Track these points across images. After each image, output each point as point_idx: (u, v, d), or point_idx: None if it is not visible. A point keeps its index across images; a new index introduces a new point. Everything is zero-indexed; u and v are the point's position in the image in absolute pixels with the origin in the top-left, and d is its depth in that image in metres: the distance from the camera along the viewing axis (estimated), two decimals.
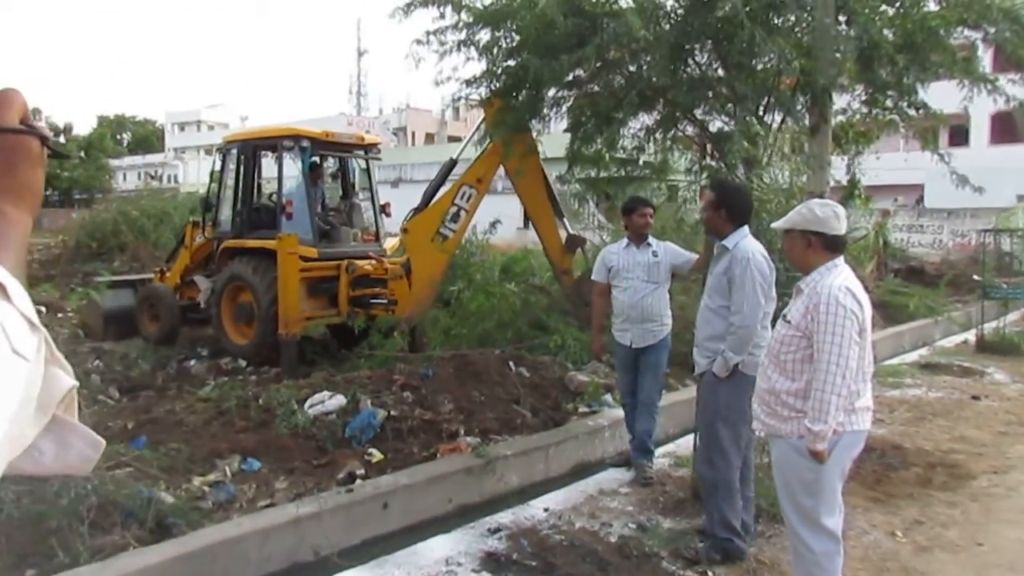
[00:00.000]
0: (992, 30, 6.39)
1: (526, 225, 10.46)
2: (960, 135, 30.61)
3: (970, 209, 23.81)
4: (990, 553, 4.48)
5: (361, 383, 6.61)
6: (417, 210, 8.69)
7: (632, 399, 5.58)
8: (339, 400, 6.26)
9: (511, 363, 7.20)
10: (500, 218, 10.16)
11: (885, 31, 6.11)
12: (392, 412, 6.10)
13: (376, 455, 5.59)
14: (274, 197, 9.62)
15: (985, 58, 7.75)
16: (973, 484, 5.58)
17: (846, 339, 3.08)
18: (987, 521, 4.92)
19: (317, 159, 9.91)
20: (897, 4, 6.31)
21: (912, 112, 6.99)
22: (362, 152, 10.28)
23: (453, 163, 8.81)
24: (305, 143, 9.26)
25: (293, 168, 9.46)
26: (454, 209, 8.47)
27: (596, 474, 5.63)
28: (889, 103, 6.95)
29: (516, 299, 8.81)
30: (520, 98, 7.68)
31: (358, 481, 5.10)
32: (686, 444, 5.90)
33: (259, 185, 10.06)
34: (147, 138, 79.62)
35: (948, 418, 7.39)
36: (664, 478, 5.48)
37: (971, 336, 11.53)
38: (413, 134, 60.77)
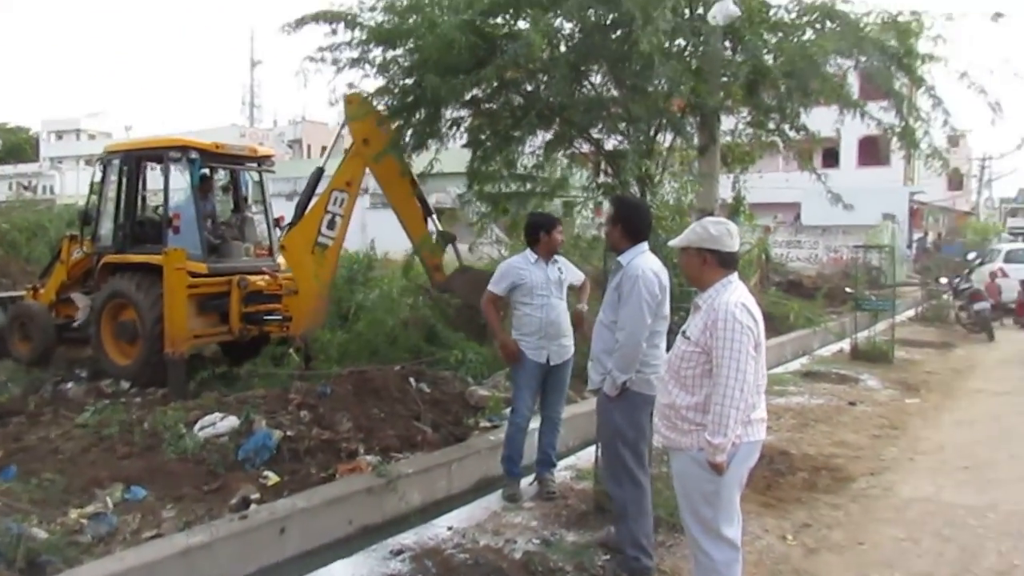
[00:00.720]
0: (863, 59, 6.79)
1: None
2: (831, 157, 32.56)
3: (842, 226, 25.30)
4: (870, 551, 4.70)
5: (255, 403, 6.34)
6: (291, 224, 8.47)
7: (525, 420, 5.49)
8: (231, 421, 5.98)
9: (411, 379, 7.08)
10: (399, 230, 10.06)
11: (770, 57, 6.38)
12: (288, 432, 5.87)
13: (272, 478, 5.36)
14: (160, 210, 9.18)
15: (854, 86, 8.20)
16: (853, 486, 5.85)
17: (743, 354, 3.15)
18: (867, 521, 5.16)
19: (207, 171, 9.52)
20: (780, 33, 6.61)
21: (793, 134, 7.33)
22: (255, 164, 9.96)
23: (320, 172, 8.63)
24: (194, 155, 8.88)
25: (181, 180, 9.06)
26: (329, 216, 8.32)
27: (499, 489, 5.57)
28: (772, 125, 7.27)
29: (407, 311, 8.70)
30: (418, 116, 7.62)
31: (253, 506, 4.86)
32: (587, 456, 5.94)
33: (143, 197, 9.57)
34: (19, 146, 74.60)
35: (829, 423, 7.75)
36: (567, 491, 5.48)
37: (846, 345, 12.20)
38: (309, 147, 59.47)
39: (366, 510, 5.09)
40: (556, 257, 5.50)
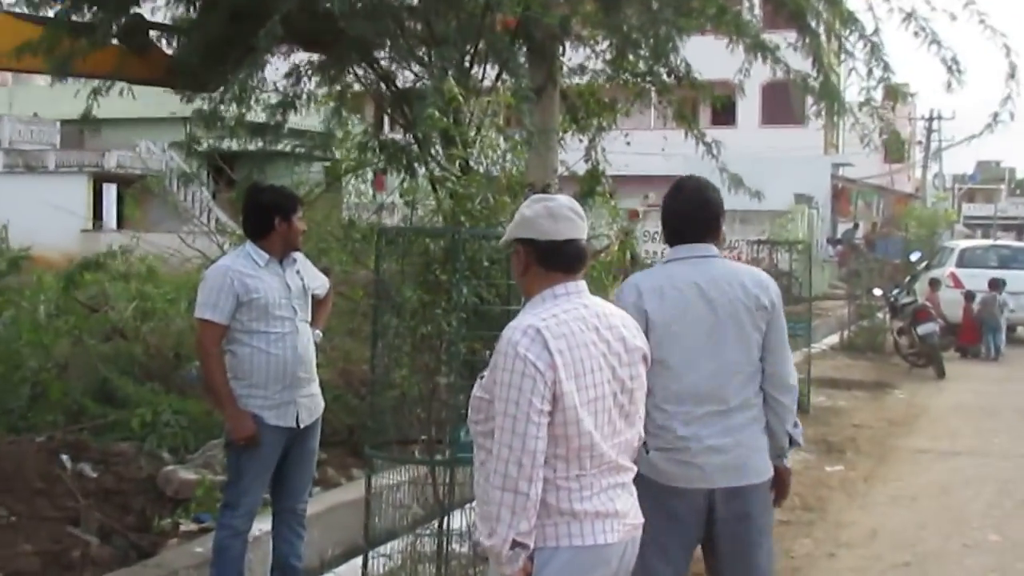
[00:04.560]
0: None
1: (96, 225, 9.86)
2: (726, 113, 34.36)
3: (739, 212, 26.63)
4: None
5: None
6: None
7: (248, 521, 5.26)
8: None
9: (65, 456, 6.78)
10: (56, 207, 9.53)
11: None
12: None
13: None
14: None
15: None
16: None
17: (522, 408, 2.94)
18: None
19: None
20: None
21: (668, 78, 7.56)
22: None
23: None
24: None
25: None
26: None
27: None
28: (641, 65, 7.45)
29: (66, 345, 8.25)
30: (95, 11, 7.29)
31: None
32: (352, 571, 5.82)
33: None
34: None
35: None
36: None
37: None
38: None
39: None
40: (293, 255, 5.33)
